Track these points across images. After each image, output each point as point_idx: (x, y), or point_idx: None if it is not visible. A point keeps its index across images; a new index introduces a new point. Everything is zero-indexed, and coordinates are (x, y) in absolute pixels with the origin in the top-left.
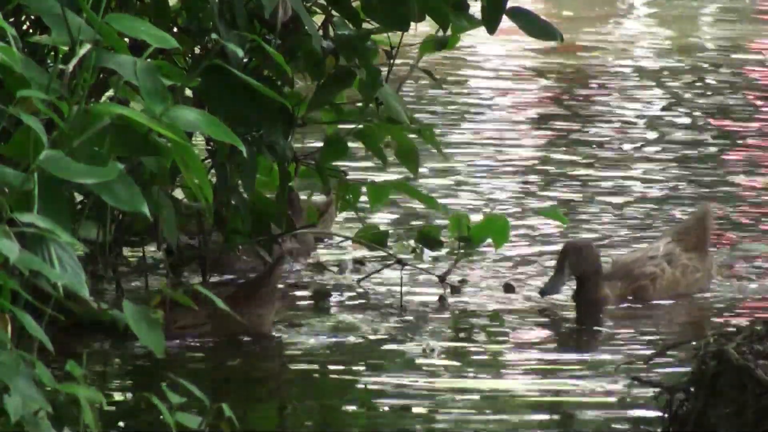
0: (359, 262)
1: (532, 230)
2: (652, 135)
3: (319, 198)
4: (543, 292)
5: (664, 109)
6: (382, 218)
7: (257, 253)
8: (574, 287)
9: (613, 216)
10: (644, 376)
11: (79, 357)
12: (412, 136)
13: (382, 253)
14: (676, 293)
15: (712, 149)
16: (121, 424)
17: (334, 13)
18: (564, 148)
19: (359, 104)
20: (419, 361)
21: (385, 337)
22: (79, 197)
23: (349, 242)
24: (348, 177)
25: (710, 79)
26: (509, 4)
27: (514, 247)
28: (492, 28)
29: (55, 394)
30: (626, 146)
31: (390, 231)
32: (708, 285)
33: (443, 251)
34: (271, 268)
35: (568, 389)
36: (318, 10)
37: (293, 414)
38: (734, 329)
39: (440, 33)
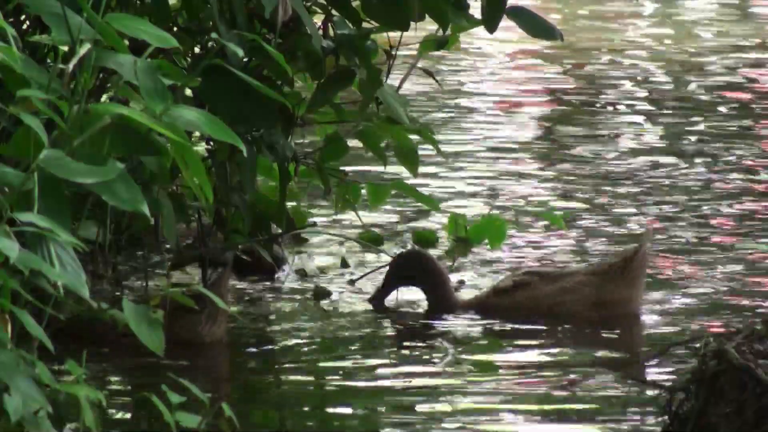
0: (345, 264)
1: (529, 231)
2: (654, 134)
3: None
4: (370, 301)
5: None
6: (381, 218)
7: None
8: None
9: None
10: (644, 376)
11: (79, 357)
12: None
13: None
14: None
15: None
16: (121, 424)
17: (334, 12)
18: (564, 148)
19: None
20: (419, 361)
21: (385, 337)
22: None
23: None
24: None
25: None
26: (509, 4)
27: (512, 248)
28: (492, 28)
29: (55, 393)
30: (629, 145)
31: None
32: (635, 310)
33: (440, 250)
34: (220, 274)
35: (567, 388)
36: (318, 10)
37: (293, 414)
38: (734, 329)
39: (440, 32)
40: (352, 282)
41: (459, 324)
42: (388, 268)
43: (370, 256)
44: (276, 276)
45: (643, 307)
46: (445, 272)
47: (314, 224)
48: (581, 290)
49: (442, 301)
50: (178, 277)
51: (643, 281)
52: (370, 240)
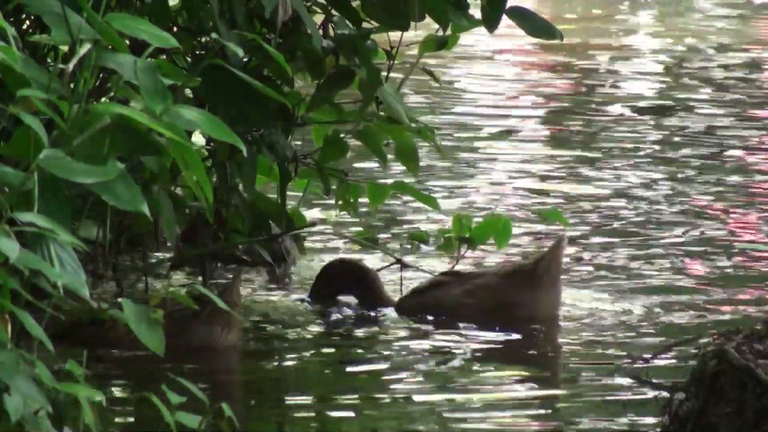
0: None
1: (533, 231)
2: (656, 135)
3: None
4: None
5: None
6: (379, 217)
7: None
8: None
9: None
10: (644, 376)
11: (79, 357)
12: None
13: (380, 254)
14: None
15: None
16: (121, 424)
17: (334, 12)
18: (564, 149)
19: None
20: (419, 361)
21: (385, 337)
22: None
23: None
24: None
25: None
26: (509, 4)
27: (517, 247)
28: (492, 28)
29: (55, 393)
30: (631, 145)
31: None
32: (543, 314)
33: (433, 249)
34: (231, 282)
35: (567, 389)
36: (318, 10)
37: (293, 414)
38: (734, 329)
39: (440, 32)
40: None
41: (458, 323)
42: (317, 279)
43: (370, 256)
44: (278, 271)
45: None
46: (377, 276)
47: (314, 224)
48: (481, 293)
49: (377, 304)
50: (176, 277)
51: (557, 286)
52: (366, 239)
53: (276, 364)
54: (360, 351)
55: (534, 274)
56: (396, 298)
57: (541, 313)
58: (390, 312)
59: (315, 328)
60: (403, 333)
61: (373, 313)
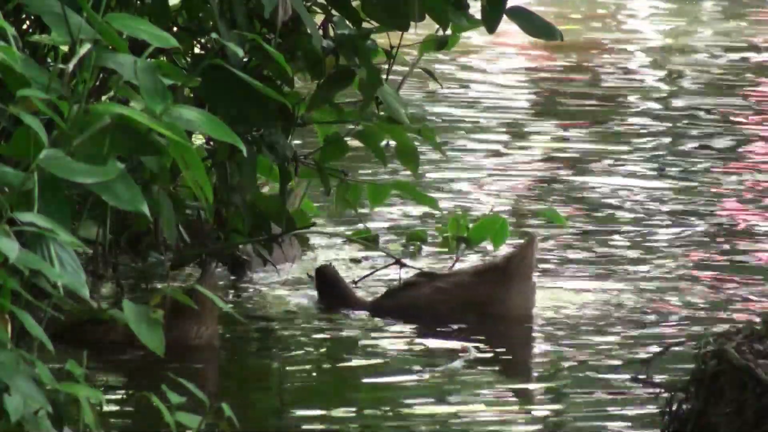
0: (356, 261)
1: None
2: (657, 133)
3: None
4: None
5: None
6: (379, 218)
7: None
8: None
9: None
10: (644, 376)
11: (79, 356)
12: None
13: (380, 253)
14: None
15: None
16: (121, 424)
17: (334, 12)
18: (564, 149)
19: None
20: (419, 361)
21: (385, 337)
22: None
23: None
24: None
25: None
26: (512, 3)
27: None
28: (492, 28)
29: (55, 393)
30: (633, 143)
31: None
32: (516, 312)
33: (435, 249)
34: (202, 276)
35: (567, 388)
36: (318, 10)
37: (293, 414)
38: (734, 329)
39: (440, 32)
40: (354, 283)
41: (458, 323)
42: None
43: (371, 256)
44: (279, 271)
45: (535, 310)
46: (342, 279)
47: (313, 224)
48: (454, 291)
49: (350, 306)
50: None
51: (530, 283)
52: (365, 239)
53: (276, 364)
54: (361, 350)
55: (506, 271)
56: (369, 299)
57: (513, 311)
58: (365, 314)
59: (316, 328)
60: (406, 333)
61: (352, 315)
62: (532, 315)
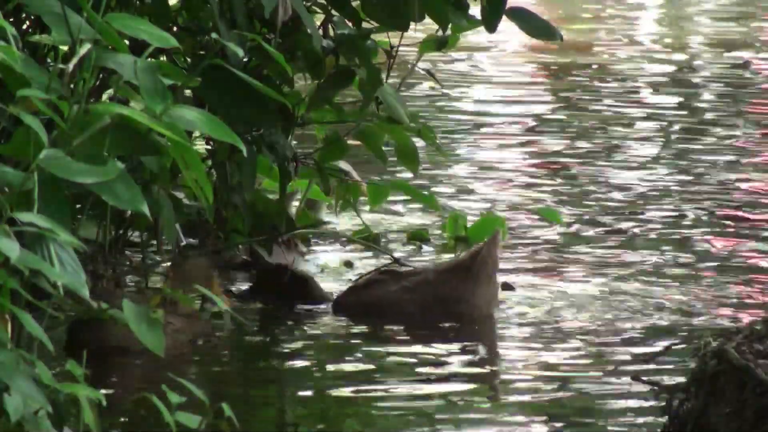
0: (348, 264)
1: (528, 229)
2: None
3: None
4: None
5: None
6: (378, 218)
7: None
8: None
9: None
10: (644, 376)
11: (79, 356)
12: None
13: (380, 253)
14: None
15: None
16: (121, 424)
17: (334, 12)
18: (565, 149)
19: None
20: (419, 361)
21: (385, 337)
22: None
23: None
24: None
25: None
26: (509, 4)
27: (513, 245)
28: (492, 28)
29: (55, 393)
30: (632, 144)
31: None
32: (481, 310)
33: (433, 248)
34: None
35: (567, 388)
36: (318, 10)
37: (293, 414)
38: (734, 329)
39: (440, 32)
40: (352, 282)
41: (459, 323)
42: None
43: (371, 256)
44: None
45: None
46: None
47: (316, 224)
48: (420, 288)
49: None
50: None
51: (494, 281)
52: (365, 238)
53: (276, 364)
54: (362, 351)
55: (471, 268)
56: (333, 295)
57: (478, 308)
58: (327, 308)
59: (316, 328)
60: (405, 333)
61: (311, 309)
62: (494, 313)
